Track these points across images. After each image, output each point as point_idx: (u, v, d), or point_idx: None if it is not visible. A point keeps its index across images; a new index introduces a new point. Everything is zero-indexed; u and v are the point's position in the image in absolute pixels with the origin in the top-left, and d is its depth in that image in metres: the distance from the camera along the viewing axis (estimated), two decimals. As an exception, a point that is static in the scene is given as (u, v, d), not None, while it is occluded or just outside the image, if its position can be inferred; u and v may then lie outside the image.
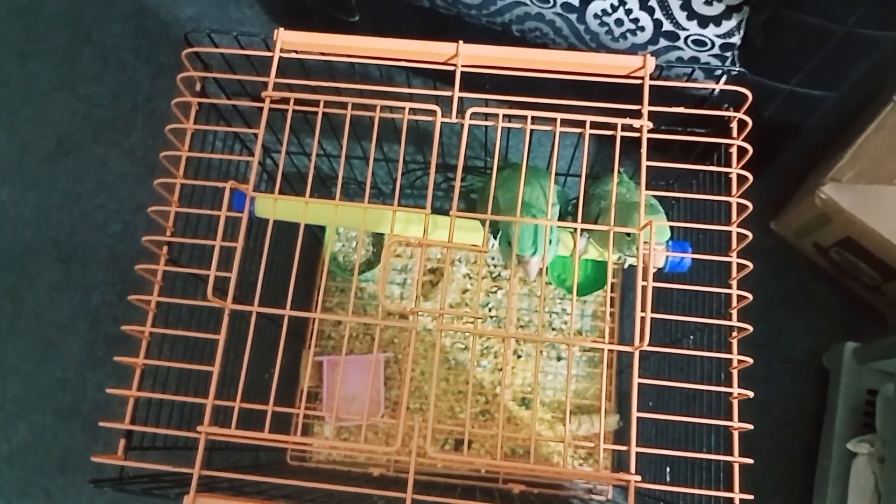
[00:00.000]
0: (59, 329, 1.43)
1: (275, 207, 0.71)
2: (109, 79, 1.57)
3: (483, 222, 0.69)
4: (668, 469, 0.83)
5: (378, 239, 1.21)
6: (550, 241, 0.72)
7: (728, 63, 1.04)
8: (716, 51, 1.03)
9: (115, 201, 1.50)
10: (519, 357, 1.22)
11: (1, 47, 1.61)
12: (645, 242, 0.65)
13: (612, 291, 1.22)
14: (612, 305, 1.22)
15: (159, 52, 1.58)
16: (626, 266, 0.92)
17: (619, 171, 0.70)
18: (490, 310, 1.25)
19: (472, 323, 1.20)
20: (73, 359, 1.41)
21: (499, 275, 1.26)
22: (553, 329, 1.23)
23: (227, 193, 0.62)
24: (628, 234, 0.70)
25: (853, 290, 1.35)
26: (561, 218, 0.83)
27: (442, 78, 0.74)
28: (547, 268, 1.20)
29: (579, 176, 0.79)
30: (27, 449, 1.38)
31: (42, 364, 1.41)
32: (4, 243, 1.48)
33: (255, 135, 0.68)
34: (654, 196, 0.78)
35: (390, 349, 1.23)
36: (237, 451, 0.97)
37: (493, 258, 1.27)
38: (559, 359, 1.21)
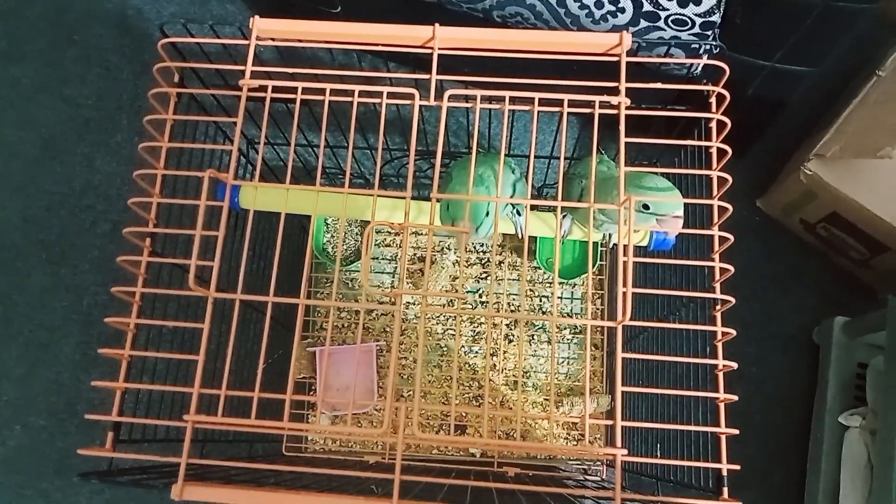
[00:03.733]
0: (51, 331, 1.43)
1: (256, 196, 0.72)
2: (93, 79, 1.56)
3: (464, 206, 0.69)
4: (658, 446, 0.84)
5: (366, 228, 1.21)
6: (488, 213, 0.75)
7: (709, 41, 1.04)
8: (696, 30, 1.03)
9: (104, 201, 1.49)
10: (511, 342, 1.22)
11: (-17, 51, 1.60)
12: (658, 216, 0.64)
13: (601, 274, 1.22)
14: (601, 287, 1.22)
15: (143, 51, 1.57)
16: (611, 246, 0.93)
17: (599, 151, 0.70)
18: (480, 296, 1.25)
19: (457, 306, 1.21)
20: (67, 360, 1.41)
21: (488, 261, 1.26)
22: (543, 313, 1.23)
23: (205, 182, 0.62)
24: (645, 208, 0.71)
25: (842, 266, 1.36)
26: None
27: (422, 66, 0.74)
28: (536, 251, 1.21)
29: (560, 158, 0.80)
30: (23, 452, 1.38)
31: (35, 366, 1.41)
32: (-6, 247, 1.48)
33: (235, 123, 0.68)
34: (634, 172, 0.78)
35: (383, 338, 1.23)
36: (232, 444, 0.98)
37: (481, 244, 1.27)
38: (550, 342, 1.22)
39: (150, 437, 0.72)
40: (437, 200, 0.66)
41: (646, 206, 0.72)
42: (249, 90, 0.69)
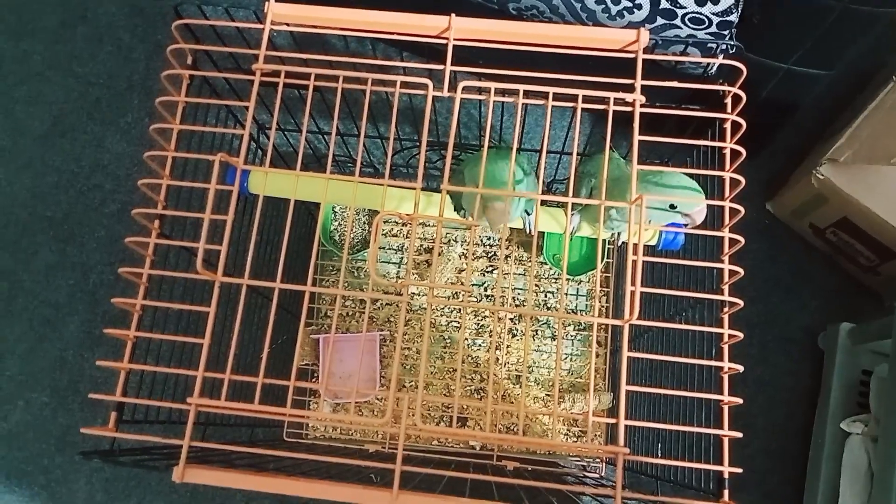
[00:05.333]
0: (56, 309, 1.43)
1: (266, 182, 0.71)
2: (105, 58, 1.56)
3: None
4: (659, 445, 0.84)
5: (374, 217, 1.21)
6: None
7: (727, 41, 1.03)
8: (713, 29, 1.02)
9: (112, 181, 1.49)
10: (514, 336, 1.22)
11: (-4, 26, 1.60)
12: (677, 212, 0.64)
13: (607, 271, 1.22)
14: (607, 285, 1.22)
15: (155, 31, 1.57)
16: (619, 244, 0.92)
17: (611, 149, 0.69)
18: (486, 289, 1.25)
19: (463, 299, 1.21)
20: (71, 338, 1.42)
21: (494, 254, 1.26)
22: (548, 308, 1.23)
23: (216, 166, 0.62)
24: (672, 207, 0.71)
25: (849, 271, 1.35)
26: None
27: (435, 56, 0.73)
28: (542, 246, 1.21)
29: (572, 154, 0.79)
30: (25, 428, 1.39)
31: (40, 343, 1.42)
32: (0, 224, 1.48)
33: (247, 108, 0.68)
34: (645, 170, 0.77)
35: (387, 328, 1.23)
36: (233, 428, 0.98)
37: (488, 237, 1.26)
38: (554, 338, 1.21)
39: (152, 419, 0.72)
40: (448, 192, 0.65)
41: (672, 206, 0.72)
42: (263, 75, 0.68)
